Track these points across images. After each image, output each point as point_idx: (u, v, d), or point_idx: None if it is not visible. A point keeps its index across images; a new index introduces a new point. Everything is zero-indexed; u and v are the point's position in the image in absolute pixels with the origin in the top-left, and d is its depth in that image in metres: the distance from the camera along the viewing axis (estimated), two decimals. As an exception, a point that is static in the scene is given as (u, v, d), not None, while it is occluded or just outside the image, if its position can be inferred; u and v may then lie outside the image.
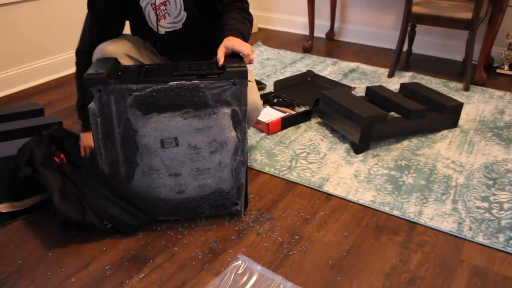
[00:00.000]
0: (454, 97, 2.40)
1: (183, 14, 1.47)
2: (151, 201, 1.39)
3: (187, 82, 1.24)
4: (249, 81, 1.30)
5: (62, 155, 1.50)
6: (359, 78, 2.70)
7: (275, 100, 2.21)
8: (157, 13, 1.46)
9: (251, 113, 1.52)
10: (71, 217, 1.31)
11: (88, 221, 1.33)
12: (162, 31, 1.51)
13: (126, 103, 1.25)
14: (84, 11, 1.54)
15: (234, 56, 1.35)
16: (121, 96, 1.25)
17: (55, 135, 1.53)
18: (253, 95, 1.51)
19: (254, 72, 2.76)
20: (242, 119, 1.32)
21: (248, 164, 1.65)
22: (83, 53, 1.56)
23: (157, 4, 1.45)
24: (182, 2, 1.45)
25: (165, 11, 1.46)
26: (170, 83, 1.24)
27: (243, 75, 1.27)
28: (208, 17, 1.51)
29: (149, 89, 1.24)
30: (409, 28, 2.82)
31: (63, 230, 1.38)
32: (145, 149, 1.31)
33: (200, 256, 1.32)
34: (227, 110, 1.30)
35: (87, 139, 1.59)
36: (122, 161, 1.34)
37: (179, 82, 1.24)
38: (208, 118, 1.29)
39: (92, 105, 1.25)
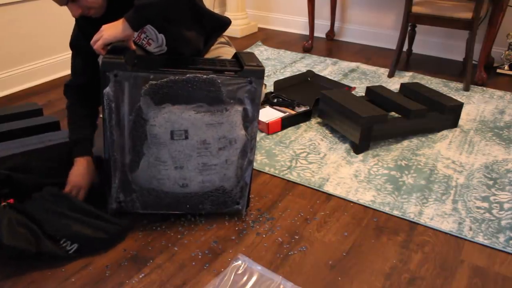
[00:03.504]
0: (454, 97, 2.40)
1: (161, 37, 1.44)
2: (154, 193, 1.39)
3: (204, 76, 1.24)
4: None
5: (11, 200, 1.32)
6: (359, 78, 2.69)
7: (275, 100, 2.21)
8: (141, 42, 1.44)
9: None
10: (23, 250, 1.20)
11: (45, 252, 1.23)
12: (155, 53, 1.50)
13: (140, 91, 1.24)
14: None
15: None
16: (136, 84, 1.23)
17: (12, 178, 1.37)
18: None
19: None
20: (253, 118, 1.32)
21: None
22: (72, 89, 1.55)
23: (135, 36, 1.42)
24: (154, 27, 1.42)
25: (148, 38, 1.44)
26: (188, 75, 1.23)
27: (260, 74, 1.27)
28: (186, 28, 1.47)
29: (165, 79, 1.23)
30: (409, 28, 2.82)
31: (14, 260, 1.27)
32: (154, 139, 1.30)
33: (200, 256, 1.32)
34: (240, 108, 1.30)
35: (80, 176, 1.42)
36: (129, 149, 1.32)
37: (196, 75, 1.24)
38: (221, 114, 1.29)
39: (107, 89, 1.23)
